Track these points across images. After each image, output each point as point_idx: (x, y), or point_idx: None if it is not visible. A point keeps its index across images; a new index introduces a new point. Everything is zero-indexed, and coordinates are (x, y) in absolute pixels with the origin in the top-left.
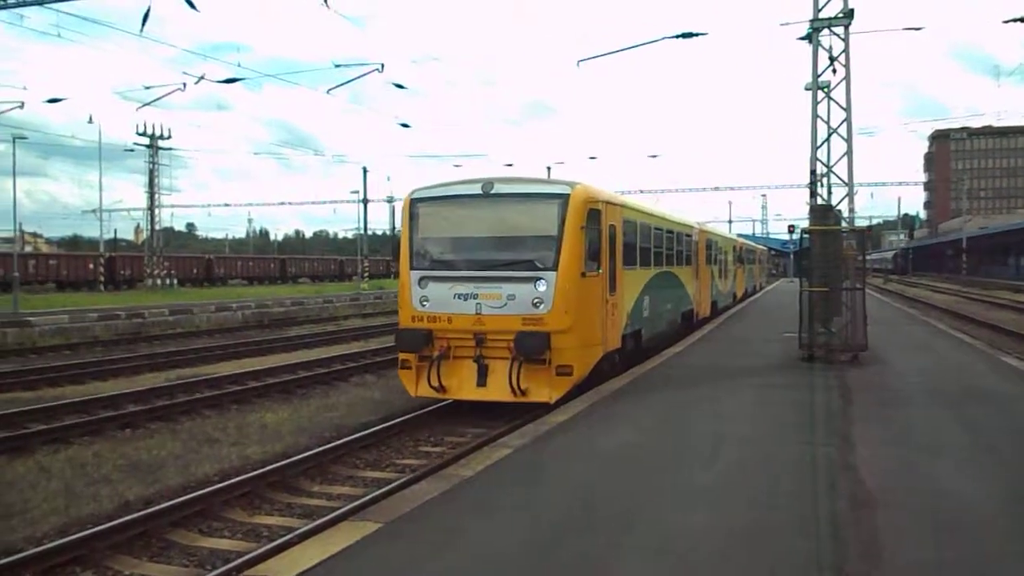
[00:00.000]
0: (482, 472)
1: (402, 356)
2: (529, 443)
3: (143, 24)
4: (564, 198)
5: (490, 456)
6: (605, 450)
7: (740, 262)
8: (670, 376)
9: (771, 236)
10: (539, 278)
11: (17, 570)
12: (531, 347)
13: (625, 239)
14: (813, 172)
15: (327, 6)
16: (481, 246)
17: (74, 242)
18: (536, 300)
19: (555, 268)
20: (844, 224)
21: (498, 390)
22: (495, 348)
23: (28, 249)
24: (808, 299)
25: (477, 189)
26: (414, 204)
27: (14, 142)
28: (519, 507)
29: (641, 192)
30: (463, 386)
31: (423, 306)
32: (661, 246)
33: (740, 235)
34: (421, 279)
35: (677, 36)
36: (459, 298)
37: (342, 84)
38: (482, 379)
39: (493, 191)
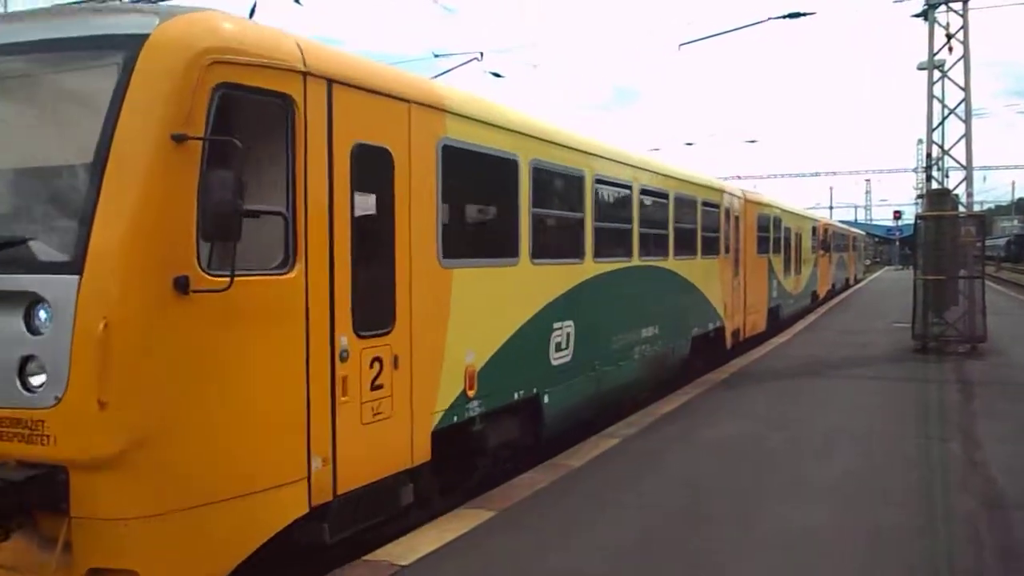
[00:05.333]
0: (590, 462)
1: None
2: (636, 433)
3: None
4: (130, 52)
5: (598, 446)
6: (715, 442)
7: (824, 249)
8: (777, 367)
9: (874, 223)
10: (38, 301)
11: None
12: None
13: (457, 191)
14: (929, 155)
15: None
16: None
17: None
18: (29, 363)
19: (78, 268)
20: (962, 209)
21: None
22: None
23: None
24: (922, 288)
25: None
26: None
27: None
28: (628, 499)
29: (739, 178)
30: None
31: None
32: (627, 218)
33: (842, 222)
34: None
35: (784, 16)
36: None
37: (442, 74)
38: None
39: None
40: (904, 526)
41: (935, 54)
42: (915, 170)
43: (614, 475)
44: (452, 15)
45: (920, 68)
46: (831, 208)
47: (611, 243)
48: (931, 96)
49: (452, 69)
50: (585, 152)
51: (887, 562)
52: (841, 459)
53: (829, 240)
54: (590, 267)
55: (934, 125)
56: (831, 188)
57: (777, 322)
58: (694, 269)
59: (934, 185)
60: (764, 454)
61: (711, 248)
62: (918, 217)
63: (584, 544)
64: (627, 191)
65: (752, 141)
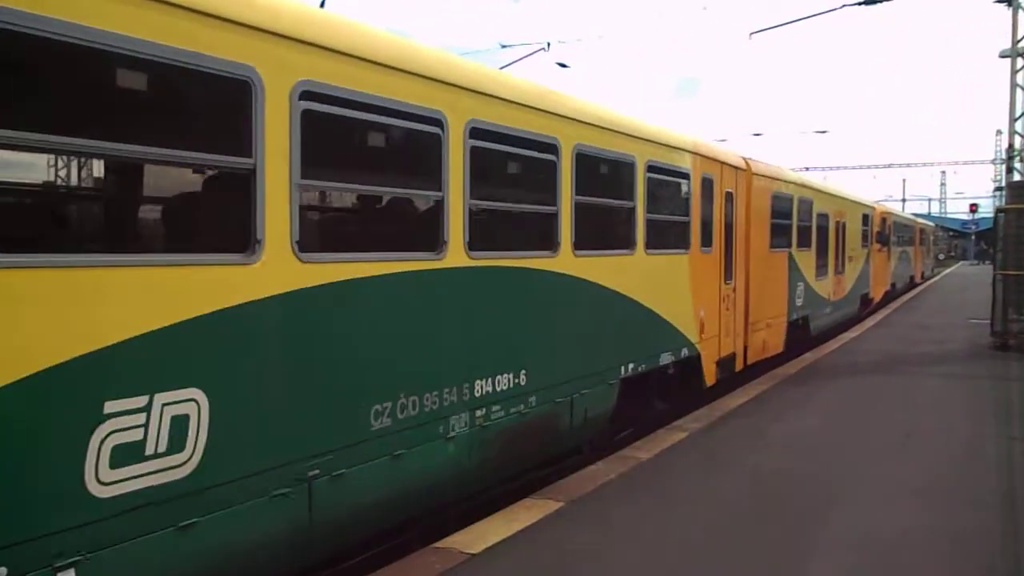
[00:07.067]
0: (658, 455)
1: None
2: (704, 427)
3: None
4: None
5: (666, 439)
6: (784, 438)
7: (882, 243)
8: (848, 363)
9: (949, 216)
10: None
11: None
12: None
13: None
14: (1010, 146)
15: None
16: None
17: None
18: None
19: None
20: None
21: None
22: None
23: None
24: (1002, 284)
25: None
26: None
27: None
28: (697, 494)
29: (807, 169)
30: None
31: None
32: (427, 180)
33: (914, 215)
34: None
35: (860, 3)
36: None
37: (509, 64)
38: None
39: None
40: (984, 529)
41: (1018, 41)
42: (993, 161)
43: (683, 469)
44: (517, 4)
45: (1002, 56)
46: (903, 200)
47: (370, 224)
48: (1013, 84)
49: (519, 60)
50: (247, 27)
51: (967, 565)
52: (917, 458)
53: (888, 231)
54: (283, 272)
55: (1016, 115)
56: (904, 180)
57: (805, 337)
58: (627, 272)
59: (1015, 177)
60: (837, 452)
61: (673, 239)
62: (998, 210)
63: (653, 537)
64: (432, 128)
65: (822, 131)
